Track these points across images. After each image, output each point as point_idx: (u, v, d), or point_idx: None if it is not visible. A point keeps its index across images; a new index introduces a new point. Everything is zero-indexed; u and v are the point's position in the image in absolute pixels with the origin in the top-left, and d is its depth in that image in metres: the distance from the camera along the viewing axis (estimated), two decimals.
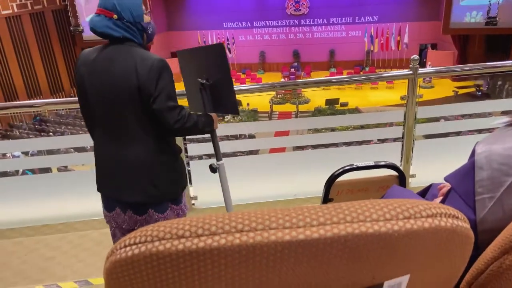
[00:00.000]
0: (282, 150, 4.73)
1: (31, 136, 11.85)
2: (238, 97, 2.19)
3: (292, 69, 19.21)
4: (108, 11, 1.64)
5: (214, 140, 2.05)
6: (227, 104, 1.89)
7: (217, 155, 2.06)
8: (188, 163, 3.02)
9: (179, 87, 2.06)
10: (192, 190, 3.06)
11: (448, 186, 0.99)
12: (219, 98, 1.90)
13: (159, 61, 1.64)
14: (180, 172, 1.90)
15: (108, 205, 1.90)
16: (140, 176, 1.75)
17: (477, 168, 0.74)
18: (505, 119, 0.77)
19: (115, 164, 1.77)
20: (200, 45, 19.53)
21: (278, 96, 16.64)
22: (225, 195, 2.09)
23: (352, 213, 0.46)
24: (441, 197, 1.04)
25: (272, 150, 4.73)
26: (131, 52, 1.65)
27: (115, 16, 1.64)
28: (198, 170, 3.06)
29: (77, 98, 1.85)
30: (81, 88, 1.75)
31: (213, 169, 2.04)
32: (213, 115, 1.92)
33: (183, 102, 2.17)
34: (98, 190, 1.88)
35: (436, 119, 4.65)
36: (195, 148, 3.16)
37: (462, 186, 0.77)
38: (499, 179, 0.71)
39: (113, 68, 1.64)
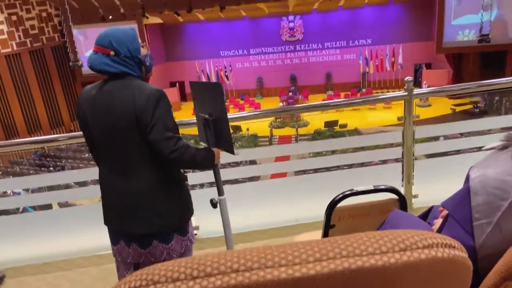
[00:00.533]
0: (283, 175, 4.71)
1: (31, 172, 11.85)
2: (238, 123, 2.20)
3: (290, 93, 19.40)
4: (105, 49, 1.67)
5: (216, 174, 2.02)
6: (225, 142, 1.90)
7: (219, 189, 2.03)
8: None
9: (179, 116, 2.08)
10: (193, 220, 3.03)
11: None
12: (219, 134, 1.91)
13: (156, 91, 1.66)
14: (185, 202, 1.89)
15: (113, 238, 1.89)
16: (145, 207, 1.75)
17: (473, 194, 0.73)
18: (498, 143, 0.77)
19: (119, 196, 1.78)
20: (198, 74, 19.72)
21: (277, 120, 16.74)
22: (226, 232, 2.05)
23: (348, 247, 0.45)
24: (441, 219, 1.03)
25: (273, 176, 4.71)
26: (129, 85, 1.67)
27: (112, 53, 1.67)
28: (199, 199, 3.03)
29: (79, 132, 1.88)
30: (83, 123, 1.78)
31: (213, 204, 2.01)
32: (216, 150, 1.91)
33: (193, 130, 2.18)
34: (105, 223, 1.88)
35: (436, 138, 4.65)
36: (196, 176, 3.15)
37: (459, 212, 0.77)
38: (495, 204, 0.71)
39: (112, 102, 1.66)
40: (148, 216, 1.76)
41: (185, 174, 2.96)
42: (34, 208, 5.91)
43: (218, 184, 2.02)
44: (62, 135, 3.05)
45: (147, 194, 1.74)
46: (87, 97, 1.74)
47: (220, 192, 2.05)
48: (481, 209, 0.72)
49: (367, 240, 0.46)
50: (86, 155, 13.92)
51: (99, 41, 1.69)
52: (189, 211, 1.93)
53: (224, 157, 2.07)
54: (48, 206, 5.46)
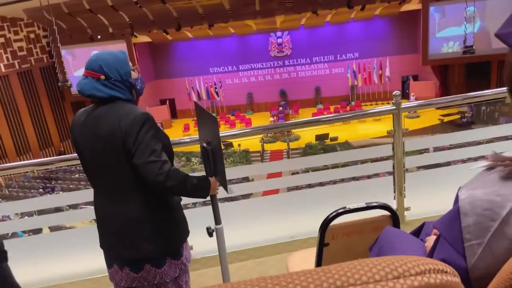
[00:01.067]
0: (276, 191, 4.71)
1: (21, 195, 11.68)
2: (229, 139, 2.17)
3: (280, 108, 19.52)
4: (95, 73, 1.67)
5: (213, 202, 1.96)
6: (220, 176, 1.86)
7: (216, 218, 1.97)
8: None
9: (170, 134, 2.06)
10: (188, 240, 3.00)
11: None
12: (215, 166, 1.88)
13: (141, 114, 1.64)
14: (178, 226, 1.85)
15: (107, 261, 1.88)
16: (135, 233, 1.73)
17: (462, 215, 0.74)
18: (484, 163, 0.78)
19: (110, 221, 1.77)
20: (188, 91, 19.67)
21: (269, 135, 16.79)
22: (222, 263, 2.01)
23: (341, 276, 0.45)
24: (434, 236, 1.04)
25: (266, 192, 4.70)
26: (117, 109, 1.66)
27: (102, 77, 1.66)
28: (192, 218, 3.01)
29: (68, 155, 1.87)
30: (76, 149, 1.78)
31: (209, 233, 1.96)
32: (213, 180, 1.86)
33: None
34: (100, 245, 1.87)
35: (426, 150, 4.69)
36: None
37: (450, 233, 0.77)
38: (485, 224, 0.72)
39: (100, 127, 1.66)
40: (139, 242, 1.73)
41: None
42: (24, 231, 5.81)
43: (216, 212, 1.96)
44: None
45: (137, 220, 1.72)
46: (78, 123, 1.74)
47: (217, 221, 1.98)
48: (472, 230, 0.73)
49: (361, 269, 0.46)
50: (77, 175, 13.78)
51: (89, 65, 1.69)
52: (183, 235, 1.89)
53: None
54: (39, 230, 5.37)
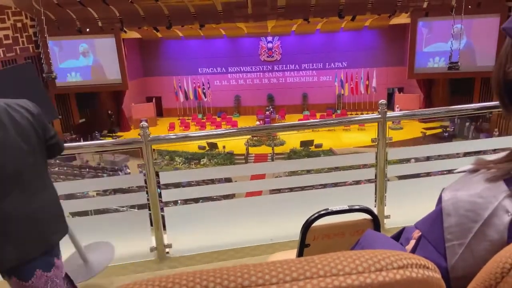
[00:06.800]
0: (258, 193, 4.72)
1: None
2: (214, 140, 2.14)
3: (267, 112, 19.57)
4: None
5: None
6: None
7: None
8: (162, 209, 2.96)
9: (155, 132, 2.04)
10: (166, 238, 2.97)
11: None
12: None
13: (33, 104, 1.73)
14: None
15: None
16: (57, 214, 1.77)
17: (445, 215, 0.75)
18: (468, 166, 0.80)
19: (17, 220, 1.59)
20: (175, 90, 19.45)
21: (254, 138, 16.80)
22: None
23: (325, 266, 0.45)
24: (414, 240, 1.05)
25: (249, 194, 4.71)
26: (13, 105, 1.64)
27: None
28: (172, 216, 2.99)
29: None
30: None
31: None
32: None
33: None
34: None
35: (407, 160, 4.77)
36: (170, 193, 3.10)
37: (432, 233, 0.78)
38: (467, 225, 0.73)
39: (11, 130, 1.58)
40: (62, 221, 1.80)
41: (159, 191, 2.92)
42: None
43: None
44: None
45: (55, 201, 1.78)
46: None
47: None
48: (453, 231, 0.74)
49: (344, 260, 0.46)
50: (57, 169, 13.52)
51: None
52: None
53: (200, 174, 2.02)
54: None
